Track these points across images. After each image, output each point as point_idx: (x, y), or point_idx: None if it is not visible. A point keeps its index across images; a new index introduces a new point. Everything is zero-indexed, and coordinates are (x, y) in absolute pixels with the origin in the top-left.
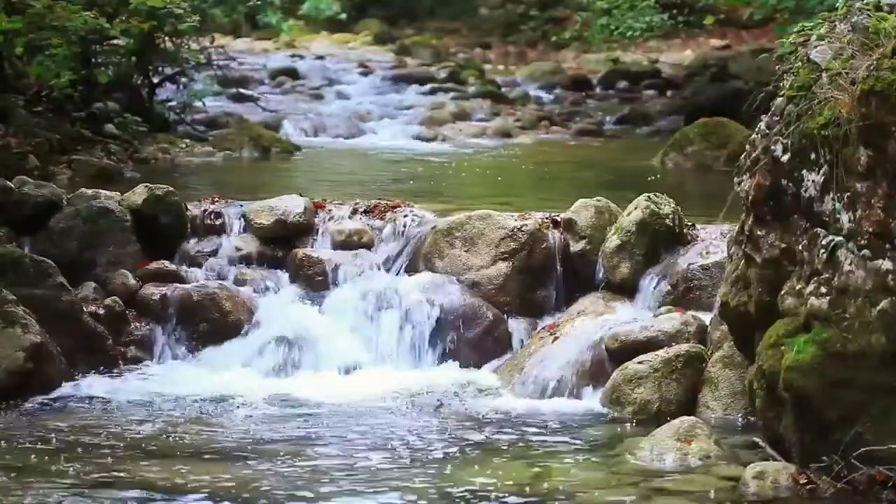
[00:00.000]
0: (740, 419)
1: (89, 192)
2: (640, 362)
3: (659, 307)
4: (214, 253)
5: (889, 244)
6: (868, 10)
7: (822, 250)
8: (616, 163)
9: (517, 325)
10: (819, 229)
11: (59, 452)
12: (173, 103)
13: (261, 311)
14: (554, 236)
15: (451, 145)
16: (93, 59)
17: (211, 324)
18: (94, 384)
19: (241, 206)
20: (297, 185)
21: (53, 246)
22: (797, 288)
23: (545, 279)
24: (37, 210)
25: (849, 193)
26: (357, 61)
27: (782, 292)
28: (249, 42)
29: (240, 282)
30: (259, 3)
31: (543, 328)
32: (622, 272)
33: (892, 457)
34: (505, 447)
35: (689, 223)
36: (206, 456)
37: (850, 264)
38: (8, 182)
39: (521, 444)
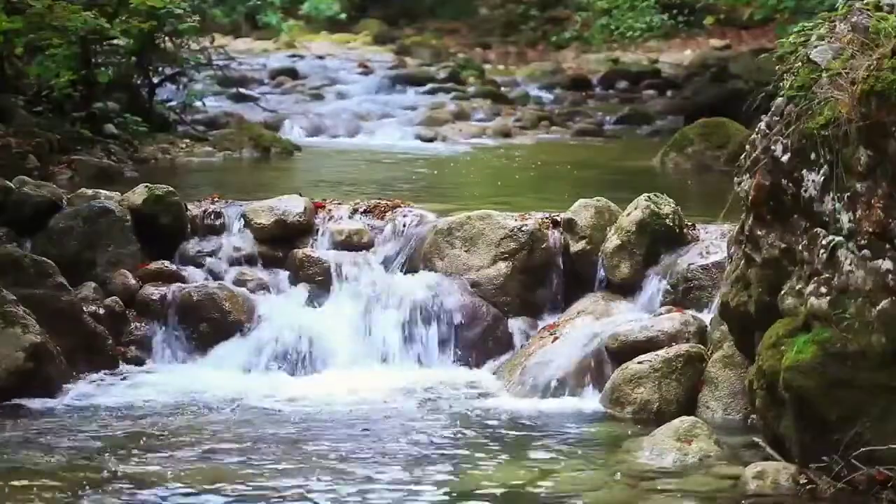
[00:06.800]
0: (740, 419)
1: (89, 192)
2: (640, 362)
3: (659, 307)
4: (214, 253)
5: (889, 244)
6: (868, 10)
7: (822, 250)
8: (616, 163)
9: (517, 325)
10: (819, 229)
11: (59, 452)
12: (173, 103)
13: (261, 311)
14: (554, 236)
15: (451, 145)
16: (93, 59)
17: (211, 324)
18: (94, 384)
19: (241, 206)
20: (297, 185)
21: (53, 246)
22: (797, 288)
23: (545, 279)
24: (37, 210)
25: (849, 193)
26: (357, 61)
27: (782, 292)
28: (249, 42)
29: (240, 282)
30: (259, 3)
31: (543, 328)
32: (622, 272)
33: (892, 457)
34: (505, 447)
35: (689, 223)
36: (207, 456)
37: (850, 264)
38: (8, 182)
39: (521, 444)
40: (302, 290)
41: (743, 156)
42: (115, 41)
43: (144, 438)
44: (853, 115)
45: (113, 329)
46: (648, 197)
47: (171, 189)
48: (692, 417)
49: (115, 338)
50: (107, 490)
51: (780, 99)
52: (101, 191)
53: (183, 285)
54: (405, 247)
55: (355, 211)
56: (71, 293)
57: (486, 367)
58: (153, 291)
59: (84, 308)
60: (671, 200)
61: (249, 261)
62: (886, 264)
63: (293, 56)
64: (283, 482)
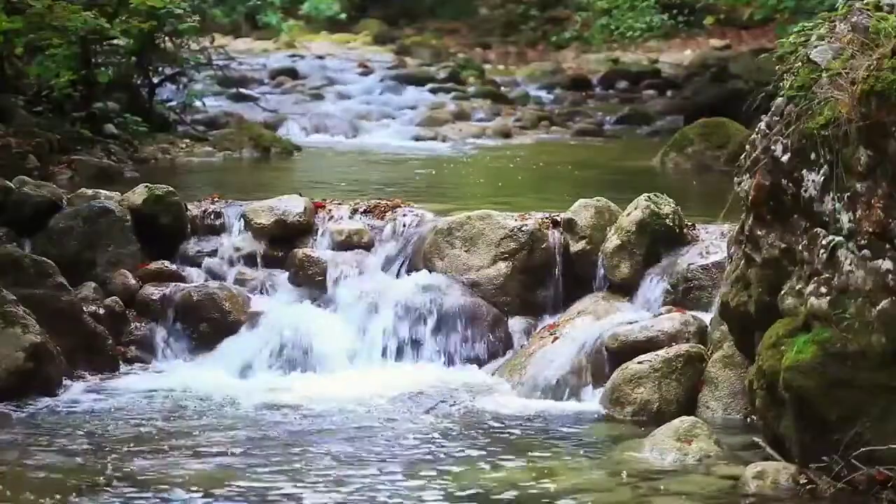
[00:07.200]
0: (740, 419)
1: (89, 192)
2: (640, 362)
3: (659, 307)
4: (214, 253)
5: (889, 244)
6: (868, 10)
7: (822, 250)
8: (616, 163)
9: (517, 325)
10: (819, 229)
11: (59, 452)
12: (173, 103)
13: (260, 311)
14: (554, 236)
15: (451, 145)
16: (93, 59)
17: (211, 324)
18: (94, 384)
19: (241, 206)
20: (297, 185)
21: (53, 246)
22: (797, 288)
23: (545, 279)
24: (37, 210)
25: (849, 193)
26: (357, 61)
27: (782, 292)
28: (249, 42)
29: (239, 282)
30: (259, 3)
31: (543, 328)
32: (622, 272)
33: (892, 457)
34: (505, 447)
35: (689, 223)
36: (207, 456)
37: (850, 264)
38: (8, 182)
39: (521, 444)
40: (302, 290)
41: (743, 156)
42: (115, 41)
43: (144, 439)
44: (853, 115)
45: (113, 329)
46: (648, 197)
47: (171, 189)
48: (692, 417)
49: (115, 338)
50: (106, 490)
51: (780, 99)
52: (101, 191)
53: (183, 285)
54: (405, 247)
55: (355, 211)
56: (71, 293)
57: (485, 368)
58: (153, 291)
59: (84, 308)
60: (671, 200)
61: (249, 261)
62: (886, 264)
63: (293, 56)
64: (282, 483)
